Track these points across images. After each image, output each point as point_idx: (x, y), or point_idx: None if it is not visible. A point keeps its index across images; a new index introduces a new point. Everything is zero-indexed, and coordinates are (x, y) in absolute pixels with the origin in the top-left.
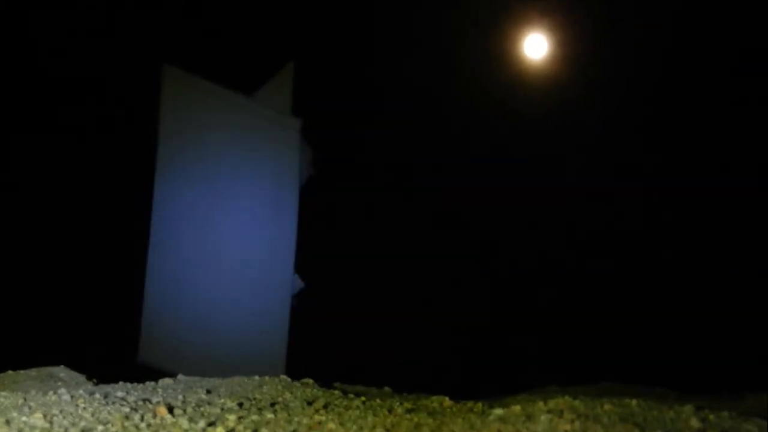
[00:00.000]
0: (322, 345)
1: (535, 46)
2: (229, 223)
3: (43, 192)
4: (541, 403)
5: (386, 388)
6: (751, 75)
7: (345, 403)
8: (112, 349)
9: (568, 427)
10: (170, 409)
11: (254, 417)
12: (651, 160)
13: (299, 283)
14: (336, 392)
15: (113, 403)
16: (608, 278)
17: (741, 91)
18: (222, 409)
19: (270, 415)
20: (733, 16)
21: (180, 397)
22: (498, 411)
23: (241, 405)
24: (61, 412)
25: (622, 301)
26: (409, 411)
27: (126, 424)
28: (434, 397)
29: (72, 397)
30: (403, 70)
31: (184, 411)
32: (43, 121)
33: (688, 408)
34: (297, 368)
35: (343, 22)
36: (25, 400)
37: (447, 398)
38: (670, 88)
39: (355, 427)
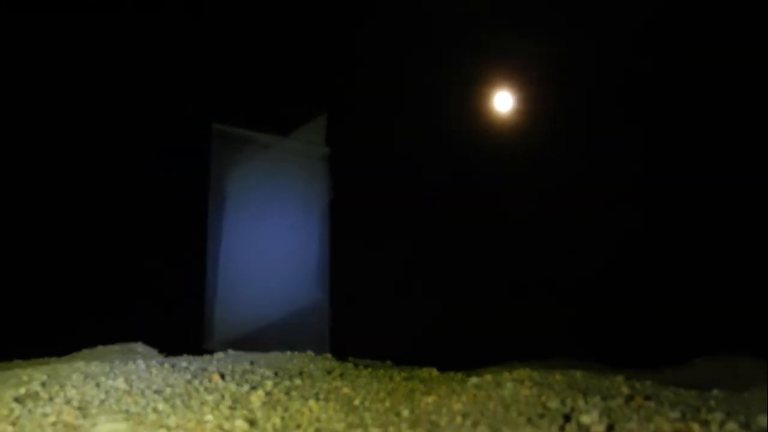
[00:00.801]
0: (337, 327)
1: (503, 102)
2: (272, 236)
3: (129, 219)
4: (507, 374)
5: (388, 362)
6: (713, 134)
7: (356, 372)
8: (183, 338)
9: (527, 392)
10: (222, 376)
11: (286, 383)
12: (607, 190)
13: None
14: (349, 364)
15: (179, 371)
16: (565, 279)
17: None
18: (262, 377)
19: (298, 381)
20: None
21: (229, 367)
22: (474, 379)
23: (276, 373)
24: (138, 377)
25: (570, 295)
26: (405, 379)
27: (188, 387)
28: (425, 369)
29: (147, 366)
30: (391, 121)
31: (233, 377)
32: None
33: (619, 378)
34: (320, 346)
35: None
36: (110, 368)
37: (435, 369)
38: (622, 140)
39: (363, 391)
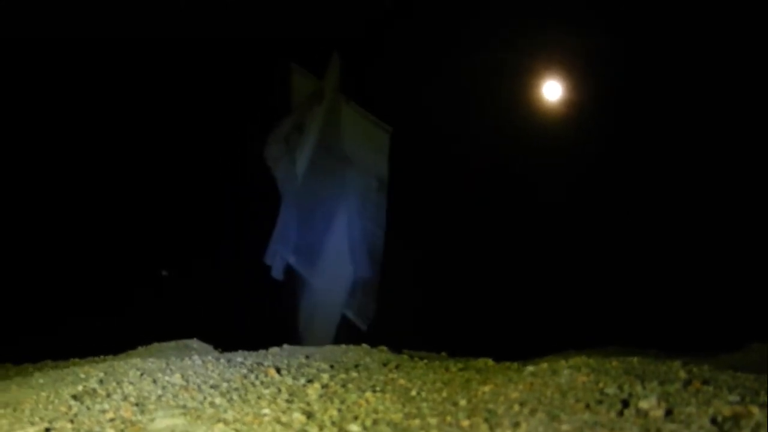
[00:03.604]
0: (393, 320)
1: (552, 90)
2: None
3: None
4: (563, 362)
5: (443, 353)
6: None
7: (411, 364)
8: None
9: (584, 378)
10: (278, 370)
11: (342, 375)
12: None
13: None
14: (404, 356)
15: (234, 366)
16: (616, 264)
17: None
18: (317, 370)
19: (354, 374)
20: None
21: (285, 361)
22: (530, 368)
23: (332, 366)
24: (194, 372)
25: (622, 284)
26: (461, 369)
27: (244, 381)
28: (480, 359)
29: (203, 361)
30: (442, 107)
31: (289, 371)
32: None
33: (676, 363)
34: (375, 338)
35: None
36: (167, 364)
37: (491, 359)
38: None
39: (419, 382)
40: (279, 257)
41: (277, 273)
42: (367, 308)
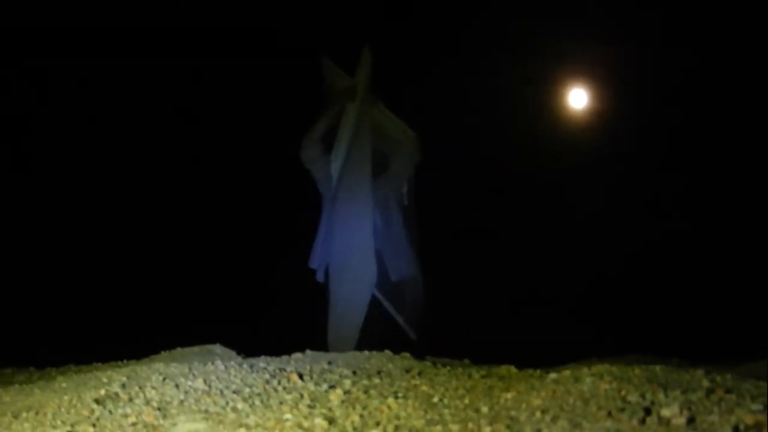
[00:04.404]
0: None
1: (578, 99)
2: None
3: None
4: (586, 369)
5: (465, 360)
6: None
7: (434, 371)
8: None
9: (607, 386)
10: (300, 376)
11: (365, 381)
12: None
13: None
14: (427, 363)
15: (257, 371)
16: (634, 273)
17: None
18: (340, 376)
19: (377, 380)
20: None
21: (308, 367)
22: (553, 375)
23: (354, 373)
24: (217, 378)
25: (645, 292)
26: (484, 377)
27: (266, 387)
28: (503, 366)
29: (225, 367)
30: (468, 113)
31: (311, 377)
32: None
33: (699, 372)
34: (398, 345)
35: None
36: (189, 369)
37: (513, 367)
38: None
39: (442, 389)
40: (323, 261)
41: (321, 277)
42: (416, 316)
